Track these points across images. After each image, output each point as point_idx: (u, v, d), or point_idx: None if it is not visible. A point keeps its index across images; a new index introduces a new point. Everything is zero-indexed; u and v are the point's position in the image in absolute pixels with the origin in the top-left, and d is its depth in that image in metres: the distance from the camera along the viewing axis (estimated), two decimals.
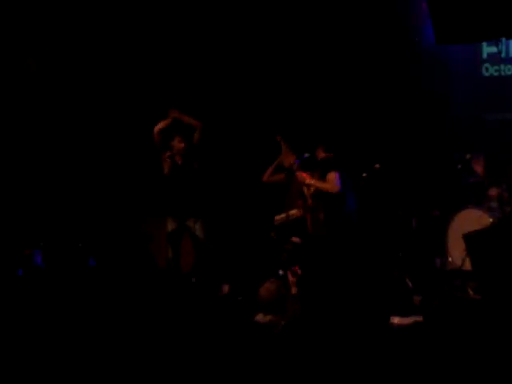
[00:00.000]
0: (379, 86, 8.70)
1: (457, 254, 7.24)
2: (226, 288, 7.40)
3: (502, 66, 8.58)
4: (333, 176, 6.86)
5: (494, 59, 8.46)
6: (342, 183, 6.85)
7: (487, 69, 8.69)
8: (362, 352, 3.81)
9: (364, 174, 7.31)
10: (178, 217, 7.29)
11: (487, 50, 8.62)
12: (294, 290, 5.26)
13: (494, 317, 4.12)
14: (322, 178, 6.93)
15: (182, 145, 7.21)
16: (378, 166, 7.38)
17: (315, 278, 6.16)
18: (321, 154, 7.17)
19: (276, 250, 7.36)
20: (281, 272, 6.81)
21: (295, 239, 7.30)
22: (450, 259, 7.52)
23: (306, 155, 7.14)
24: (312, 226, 7.06)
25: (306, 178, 6.92)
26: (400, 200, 8.24)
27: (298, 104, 8.71)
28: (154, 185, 7.82)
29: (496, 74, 8.61)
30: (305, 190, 7.10)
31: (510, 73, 8.51)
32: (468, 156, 7.49)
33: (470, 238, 5.87)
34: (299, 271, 5.33)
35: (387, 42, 8.54)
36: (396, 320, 5.52)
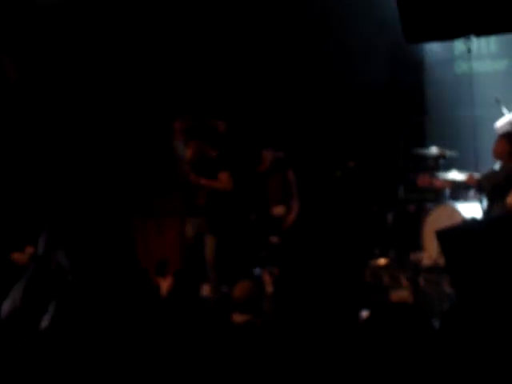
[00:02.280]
0: (354, 84, 8.74)
1: (432, 249, 7.31)
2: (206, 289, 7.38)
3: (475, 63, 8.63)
4: (225, 175, 7.18)
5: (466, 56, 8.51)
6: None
7: (460, 66, 8.76)
8: (337, 349, 3.86)
9: (338, 172, 7.38)
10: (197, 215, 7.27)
11: (459, 47, 8.67)
12: (269, 289, 5.30)
13: (469, 311, 4.17)
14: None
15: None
16: (352, 163, 7.45)
17: (291, 277, 6.21)
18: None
19: (254, 248, 7.38)
20: (257, 271, 6.84)
21: (274, 239, 7.35)
22: (425, 254, 7.59)
23: None
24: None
25: (199, 178, 7.17)
26: (375, 196, 8.29)
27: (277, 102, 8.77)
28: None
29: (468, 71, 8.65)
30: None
31: (481, 70, 8.57)
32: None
33: (442, 235, 5.91)
34: (276, 270, 5.37)
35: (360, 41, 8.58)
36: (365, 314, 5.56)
